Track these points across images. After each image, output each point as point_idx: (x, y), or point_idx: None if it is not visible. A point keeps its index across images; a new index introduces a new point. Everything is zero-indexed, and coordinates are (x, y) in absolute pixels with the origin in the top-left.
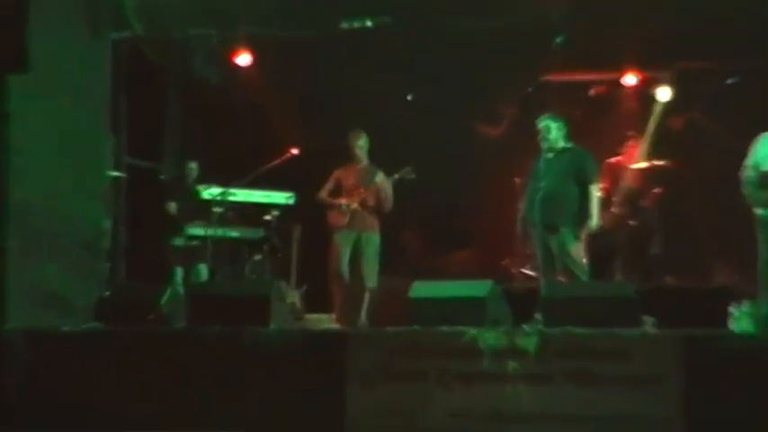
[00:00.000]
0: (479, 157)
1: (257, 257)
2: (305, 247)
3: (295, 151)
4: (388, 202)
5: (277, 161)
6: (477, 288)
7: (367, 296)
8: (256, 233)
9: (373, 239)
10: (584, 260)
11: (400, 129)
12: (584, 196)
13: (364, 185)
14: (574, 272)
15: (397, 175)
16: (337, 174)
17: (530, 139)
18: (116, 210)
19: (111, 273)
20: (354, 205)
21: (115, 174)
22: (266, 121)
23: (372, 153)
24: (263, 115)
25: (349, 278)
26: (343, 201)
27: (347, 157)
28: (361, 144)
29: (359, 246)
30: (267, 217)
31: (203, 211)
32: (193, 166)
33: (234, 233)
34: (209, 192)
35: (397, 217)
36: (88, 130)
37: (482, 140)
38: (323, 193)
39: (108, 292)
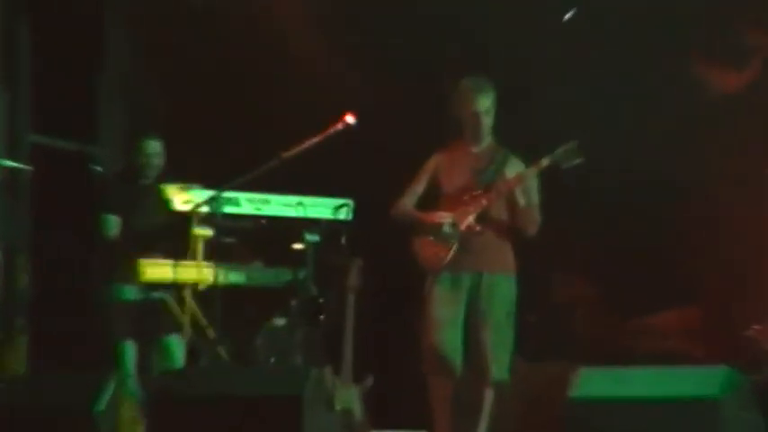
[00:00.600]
0: (701, 131)
1: (279, 322)
2: (369, 303)
3: (351, 119)
4: (532, 216)
5: (313, 140)
6: (704, 380)
7: (490, 396)
8: (278, 276)
9: (503, 288)
10: None
11: (546, 79)
12: None
13: (484, 184)
14: None
15: (546, 161)
16: (434, 163)
17: None
18: (13, 229)
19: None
20: (467, 223)
21: (10, 164)
22: (292, 69)
23: (500, 126)
24: (286, 58)
25: (460, 364)
26: (445, 216)
27: (451, 131)
28: (482, 104)
29: (477, 301)
30: (298, 246)
31: (175, 233)
32: (154, 146)
33: (236, 276)
34: (188, 197)
35: (545, 242)
36: None
37: (709, 98)
38: (406, 202)
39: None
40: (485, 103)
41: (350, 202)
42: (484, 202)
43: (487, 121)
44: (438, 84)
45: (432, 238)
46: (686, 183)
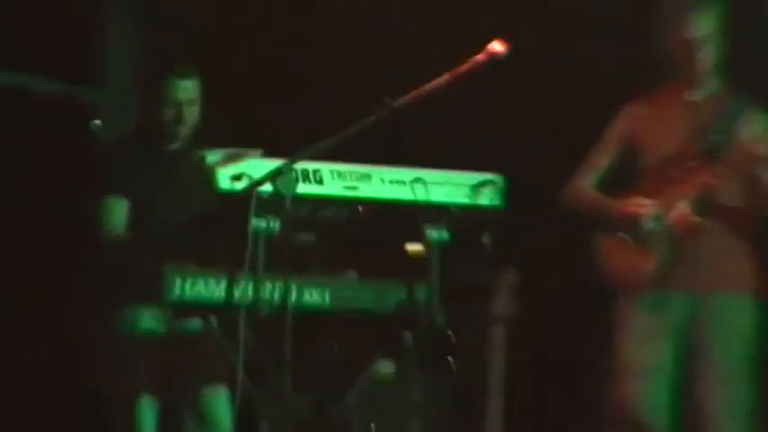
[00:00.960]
0: None
1: (384, 368)
2: (527, 338)
3: (499, 47)
4: None
5: (440, 81)
6: None
7: None
8: (382, 296)
9: (739, 316)
10: None
11: None
12: None
13: (709, 150)
14: None
15: None
16: (629, 121)
17: None
18: None
19: None
20: (681, 214)
21: None
22: None
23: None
24: None
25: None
26: (647, 204)
27: (652, 73)
28: (702, 25)
29: (697, 335)
30: (414, 247)
31: (221, 226)
32: (187, 89)
33: (316, 296)
34: (242, 170)
35: None
36: None
37: None
38: (585, 183)
39: None
40: (704, 26)
41: (498, 178)
42: (708, 179)
43: (711, 51)
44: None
45: (627, 238)
46: None
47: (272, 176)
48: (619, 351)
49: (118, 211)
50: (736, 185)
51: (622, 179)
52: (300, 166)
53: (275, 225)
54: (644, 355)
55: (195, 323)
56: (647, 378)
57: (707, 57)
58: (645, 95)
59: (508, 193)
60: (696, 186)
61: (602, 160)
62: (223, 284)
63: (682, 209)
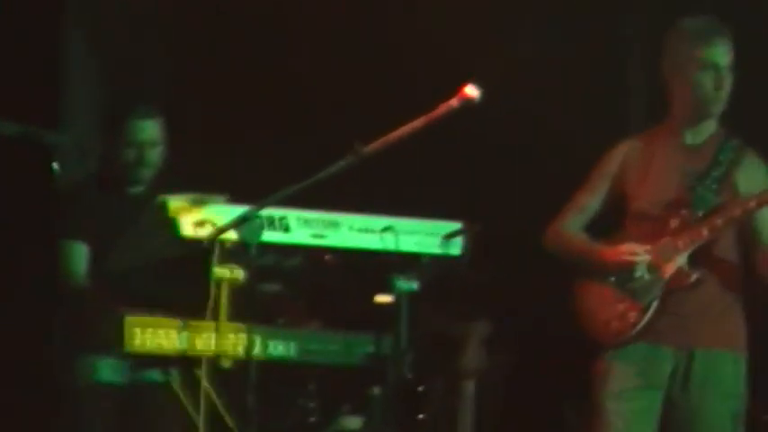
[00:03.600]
0: None
1: (352, 424)
2: (500, 392)
3: (473, 92)
4: None
5: (411, 126)
6: None
7: None
8: (350, 348)
9: (728, 373)
10: None
11: None
12: None
13: (703, 202)
14: None
15: None
16: (620, 160)
17: None
18: None
19: None
20: (676, 267)
21: None
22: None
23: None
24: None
25: None
26: (639, 251)
27: (642, 111)
28: (717, 51)
29: (684, 391)
30: (383, 298)
31: (184, 274)
32: (150, 130)
33: (281, 348)
34: (205, 216)
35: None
36: None
37: None
38: (570, 224)
39: None
40: (724, 56)
41: (469, 227)
42: (705, 232)
43: (726, 88)
44: (617, 41)
45: (615, 287)
46: None
47: (237, 223)
48: (599, 407)
49: (78, 257)
50: (731, 239)
51: (611, 221)
52: (266, 212)
53: (239, 274)
54: (629, 409)
55: (155, 374)
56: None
57: (725, 89)
58: (637, 135)
59: (478, 241)
60: (692, 238)
61: (589, 201)
62: (185, 335)
63: (678, 260)
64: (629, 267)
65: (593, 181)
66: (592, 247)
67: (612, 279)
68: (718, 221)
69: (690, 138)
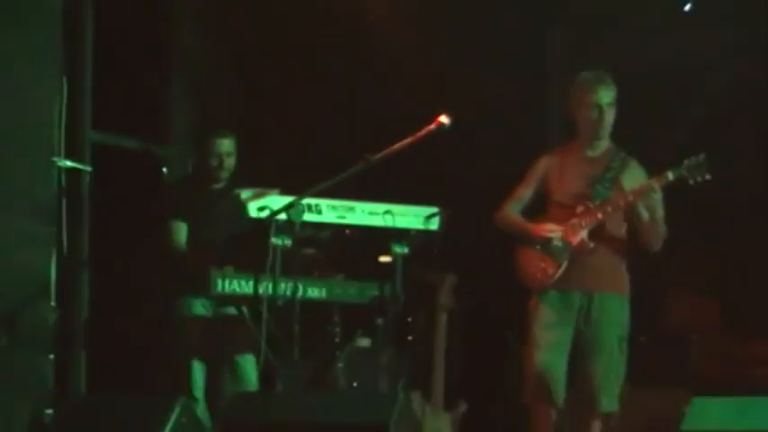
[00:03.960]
0: None
1: (363, 342)
2: (464, 323)
3: (445, 120)
4: (659, 231)
5: (404, 142)
6: None
7: (597, 429)
8: (362, 292)
9: (616, 310)
10: None
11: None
12: None
13: (599, 193)
14: None
15: (672, 175)
16: (545, 165)
17: None
18: (72, 237)
19: (60, 373)
20: (579, 239)
21: (70, 164)
22: (382, 66)
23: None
24: (376, 54)
25: (565, 392)
26: (555, 229)
27: (556, 133)
28: (603, 97)
29: (587, 323)
30: (385, 258)
31: (250, 242)
32: (227, 145)
33: (316, 291)
34: (264, 203)
35: (660, 261)
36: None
37: None
38: (511, 209)
39: (52, 413)
40: (606, 98)
41: (443, 210)
42: (599, 215)
43: (608, 119)
44: (541, 82)
45: (540, 250)
46: None
47: (286, 208)
48: (530, 335)
49: (180, 231)
50: (618, 219)
51: (536, 208)
52: (306, 201)
53: (288, 242)
54: (548, 337)
55: (232, 309)
56: (550, 353)
57: (606, 121)
58: (555, 150)
59: (450, 220)
60: (591, 219)
61: (524, 193)
62: (252, 283)
63: (581, 234)
64: (548, 239)
65: (527, 180)
66: (526, 225)
67: (538, 246)
68: (608, 208)
69: (590, 152)
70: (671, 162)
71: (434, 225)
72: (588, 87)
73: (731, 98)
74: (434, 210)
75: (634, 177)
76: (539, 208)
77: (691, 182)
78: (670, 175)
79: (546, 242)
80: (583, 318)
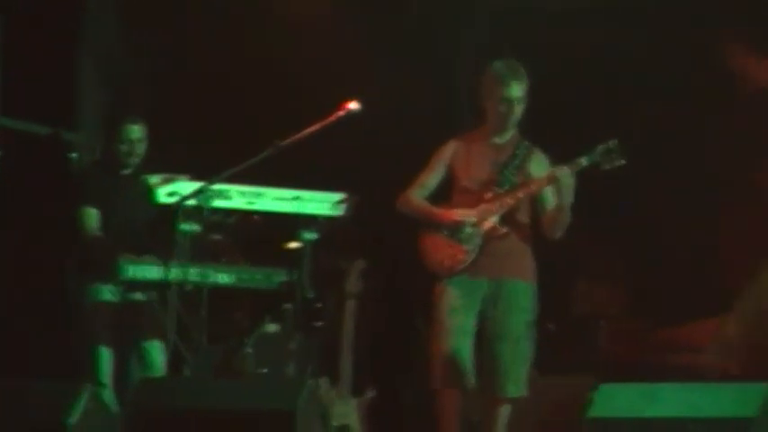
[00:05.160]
0: (731, 124)
1: (271, 328)
2: (371, 309)
3: (354, 106)
4: (563, 219)
5: (313, 128)
6: (740, 398)
7: (505, 414)
8: (271, 278)
9: (523, 296)
10: None
11: (575, 65)
12: None
13: (506, 179)
14: None
15: (585, 161)
16: (451, 151)
17: None
18: None
19: None
20: (491, 224)
21: None
22: (291, 51)
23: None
24: (285, 39)
25: (473, 378)
26: (466, 214)
27: (465, 119)
28: (516, 90)
29: (494, 309)
30: (293, 244)
31: (158, 228)
32: (137, 132)
33: (225, 277)
34: (173, 189)
35: (567, 247)
36: None
37: (747, 93)
38: (416, 195)
39: None
40: (517, 92)
41: (352, 197)
42: (510, 201)
43: (517, 113)
44: (451, 69)
45: (447, 237)
46: (723, 185)
47: (195, 194)
48: (437, 319)
49: (90, 217)
50: (525, 206)
51: (441, 194)
52: (215, 187)
53: (197, 228)
54: (456, 323)
55: (140, 295)
56: (457, 339)
57: (517, 113)
58: (461, 136)
59: (359, 206)
60: (502, 205)
61: (429, 179)
62: (160, 269)
63: (492, 220)
64: (459, 224)
65: (432, 166)
66: (434, 211)
67: (446, 232)
68: (520, 194)
69: (497, 139)
70: (576, 150)
71: (344, 211)
72: (500, 80)
73: (633, 84)
74: (344, 196)
75: (539, 165)
76: (441, 195)
77: (605, 167)
78: (584, 161)
79: (456, 228)
80: (490, 303)
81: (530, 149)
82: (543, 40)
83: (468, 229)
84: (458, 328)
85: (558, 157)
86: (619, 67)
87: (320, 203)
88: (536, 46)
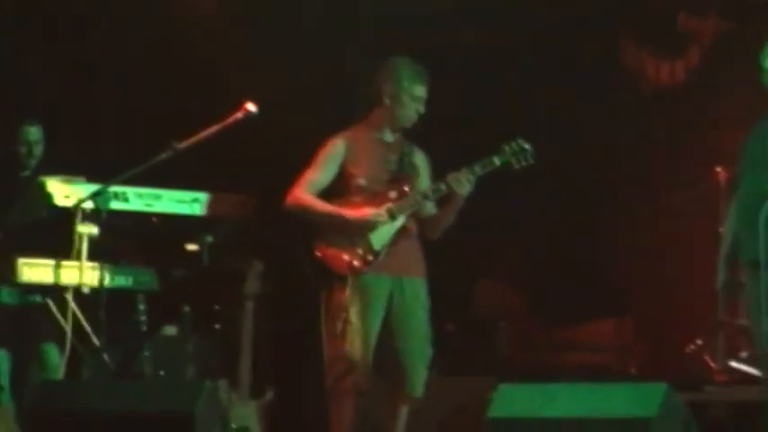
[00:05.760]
0: (628, 125)
1: (170, 331)
2: (271, 311)
3: (252, 108)
4: (450, 221)
5: (211, 130)
6: (638, 398)
7: (405, 414)
8: (168, 281)
9: (423, 294)
10: None
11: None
12: None
13: (406, 180)
14: None
15: (497, 161)
16: (342, 148)
17: (745, 90)
18: None
19: None
20: (399, 223)
21: None
22: (189, 53)
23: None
24: (183, 40)
25: (373, 377)
26: (380, 213)
27: (358, 120)
28: (424, 90)
29: (397, 307)
30: (192, 247)
31: (56, 230)
32: (33, 133)
33: (123, 279)
34: (71, 191)
35: (467, 249)
36: None
37: (636, 92)
38: (310, 195)
39: None
40: (426, 91)
41: (252, 199)
42: (419, 199)
43: (405, 113)
44: (342, 72)
45: (352, 236)
46: (621, 186)
47: (93, 196)
48: (341, 318)
49: None
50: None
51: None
52: (113, 189)
53: (94, 230)
54: (362, 322)
55: (37, 297)
56: (363, 338)
57: (420, 112)
58: (347, 131)
59: (259, 208)
60: (409, 205)
61: (321, 177)
62: (58, 271)
63: (401, 219)
64: (372, 223)
65: (322, 163)
66: (342, 210)
67: (351, 231)
68: (429, 193)
69: (387, 137)
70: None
71: (243, 213)
72: (417, 79)
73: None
74: (245, 198)
75: (423, 163)
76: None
77: (516, 166)
78: (496, 161)
79: (367, 227)
80: (394, 302)
81: (411, 148)
82: (426, 42)
83: (381, 229)
84: (360, 327)
85: (444, 159)
86: (506, 68)
87: (220, 205)
88: (422, 47)
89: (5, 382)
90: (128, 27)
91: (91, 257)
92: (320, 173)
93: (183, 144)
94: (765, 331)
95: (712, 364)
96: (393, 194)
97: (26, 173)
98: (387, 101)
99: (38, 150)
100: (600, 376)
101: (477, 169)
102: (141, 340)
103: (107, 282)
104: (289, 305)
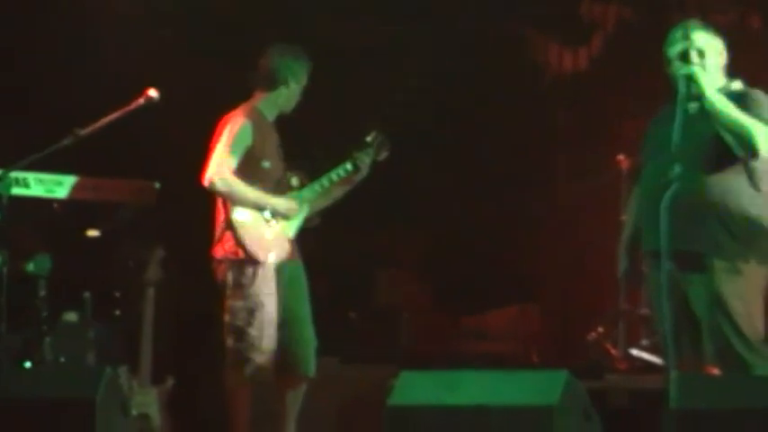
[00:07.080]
0: (529, 114)
1: (70, 317)
2: (171, 297)
3: (153, 94)
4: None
5: (112, 116)
6: (540, 386)
7: (299, 397)
8: (69, 266)
9: (303, 275)
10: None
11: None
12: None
13: (296, 166)
14: (740, 354)
15: (367, 155)
16: (251, 131)
17: (648, 78)
18: None
19: None
20: (311, 211)
21: None
22: (91, 36)
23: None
24: (85, 23)
25: (276, 362)
26: (294, 201)
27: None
28: (304, 75)
29: (292, 292)
30: (93, 233)
31: None
32: None
33: (24, 265)
34: None
35: (370, 239)
36: None
37: (541, 79)
38: (228, 173)
39: None
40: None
41: (154, 184)
42: (318, 189)
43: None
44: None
45: (270, 222)
46: (523, 175)
47: None
48: (254, 304)
49: None
50: None
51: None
52: (14, 174)
53: None
54: (274, 308)
55: None
56: (275, 324)
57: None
58: (245, 112)
59: (160, 194)
60: (318, 193)
61: (234, 160)
62: None
63: (309, 207)
64: (292, 211)
65: (235, 144)
66: (265, 197)
67: (267, 217)
68: (325, 183)
69: (271, 118)
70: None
71: (144, 199)
72: (307, 68)
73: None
74: (147, 183)
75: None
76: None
77: (378, 159)
78: (384, 154)
79: (288, 214)
80: (290, 286)
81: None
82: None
83: (300, 215)
84: (277, 313)
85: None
86: (405, 56)
87: (122, 192)
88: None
89: None
90: (31, 12)
91: None
92: (235, 157)
93: (86, 130)
94: (665, 320)
95: (613, 352)
96: (296, 181)
97: None
98: (280, 86)
99: None
100: (502, 365)
101: (334, 177)
102: (42, 326)
103: (6, 269)
104: (190, 292)
